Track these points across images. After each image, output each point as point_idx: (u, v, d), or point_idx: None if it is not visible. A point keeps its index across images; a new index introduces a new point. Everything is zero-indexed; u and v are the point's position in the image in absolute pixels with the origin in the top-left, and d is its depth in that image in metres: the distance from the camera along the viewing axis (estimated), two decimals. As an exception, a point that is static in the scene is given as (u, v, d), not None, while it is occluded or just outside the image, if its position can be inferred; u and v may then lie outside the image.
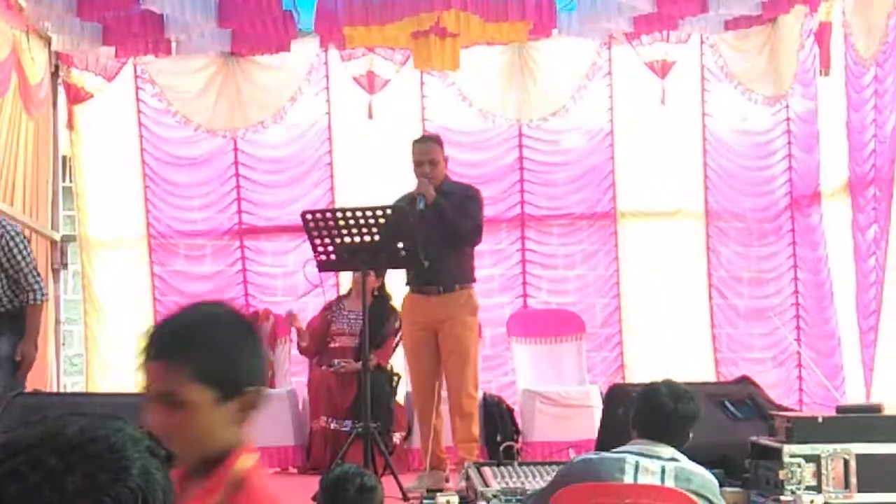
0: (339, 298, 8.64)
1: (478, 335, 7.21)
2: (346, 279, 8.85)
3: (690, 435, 4.05)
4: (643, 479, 3.81)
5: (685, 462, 3.93)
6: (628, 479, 3.81)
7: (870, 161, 7.83)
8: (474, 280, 7.16)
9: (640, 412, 4.06)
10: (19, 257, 6.49)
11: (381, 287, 8.10)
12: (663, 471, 3.82)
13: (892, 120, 7.43)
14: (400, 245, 6.57)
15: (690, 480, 3.85)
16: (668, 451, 3.90)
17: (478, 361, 7.21)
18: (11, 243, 6.49)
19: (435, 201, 6.80)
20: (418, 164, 6.98)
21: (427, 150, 7.04)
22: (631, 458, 3.86)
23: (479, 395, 8.46)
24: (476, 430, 7.06)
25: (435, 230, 6.79)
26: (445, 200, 6.85)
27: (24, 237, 6.73)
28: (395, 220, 6.57)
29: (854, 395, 8.04)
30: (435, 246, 6.76)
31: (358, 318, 8.28)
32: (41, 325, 6.81)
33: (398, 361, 8.40)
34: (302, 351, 8.55)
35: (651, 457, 3.87)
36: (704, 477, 3.91)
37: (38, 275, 6.62)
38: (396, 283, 7.97)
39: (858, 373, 8.07)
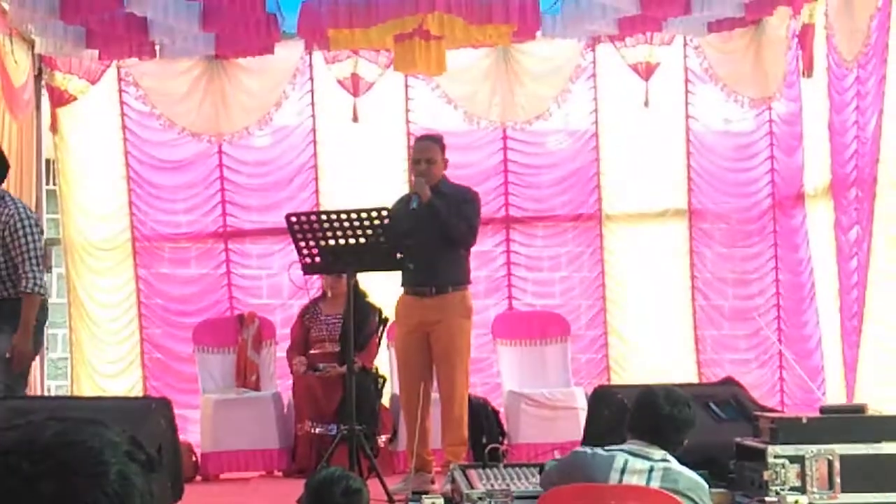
0: (314, 302, 8.58)
1: (470, 339, 7.18)
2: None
3: (685, 441, 4.08)
4: (629, 479, 3.85)
5: (675, 464, 3.96)
6: (614, 476, 3.85)
7: (852, 162, 7.85)
8: (469, 282, 7.16)
9: (636, 414, 4.12)
10: (23, 240, 6.23)
11: (355, 285, 8.04)
12: (651, 470, 3.86)
13: (874, 121, 7.45)
14: (385, 247, 6.57)
15: (677, 481, 3.88)
16: (659, 453, 3.94)
17: (468, 364, 7.18)
18: (19, 224, 6.24)
19: (430, 201, 6.81)
20: (416, 162, 7.09)
21: (424, 148, 7.12)
22: (621, 457, 3.92)
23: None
24: (465, 433, 7.06)
25: (429, 230, 6.80)
26: (441, 201, 6.86)
27: (38, 226, 6.49)
28: (380, 222, 6.58)
29: (833, 397, 8.06)
30: (429, 247, 6.79)
31: (336, 322, 8.27)
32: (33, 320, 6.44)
33: (384, 363, 8.39)
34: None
35: (641, 457, 3.91)
36: (693, 479, 3.95)
37: (39, 266, 6.34)
38: (371, 281, 7.94)
39: (839, 374, 8.10)
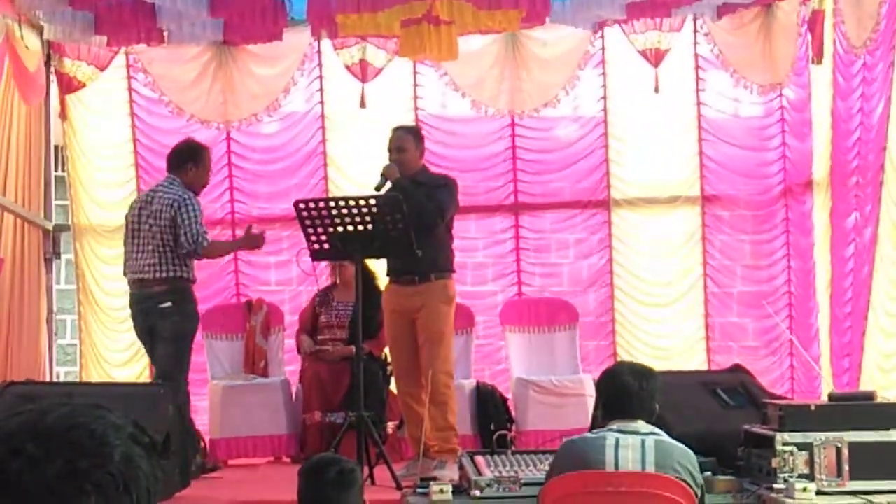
0: (327, 289, 8.59)
1: (452, 324, 7.21)
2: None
3: (657, 407, 4.18)
4: (624, 453, 3.95)
5: (664, 436, 4.08)
6: (609, 452, 3.92)
7: (854, 149, 7.83)
8: (453, 271, 7.18)
9: (609, 397, 4.22)
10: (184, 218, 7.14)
11: (368, 273, 8.00)
12: (643, 444, 3.93)
13: (880, 108, 7.42)
14: (392, 234, 6.59)
15: (671, 453, 4.01)
16: (646, 427, 4.06)
17: (451, 349, 7.20)
18: (177, 206, 7.15)
19: (398, 182, 6.85)
20: (389, 151, 7.19)
21: (395, 137, 7.23)
22: (611, 436, 4.02)
23: (472, 383, 8.48)
24: (452, 418, 7.04)
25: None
26: (414, 190, 6.88)
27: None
28: (387, 208, 6.59)
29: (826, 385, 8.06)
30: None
31: (347, 309, 8.27)
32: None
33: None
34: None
35: (630, 433, 4.02)
36: (684, 449, 4.07)
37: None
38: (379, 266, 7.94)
39: (833, 361, 8.12)
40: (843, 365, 7.95)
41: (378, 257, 7.25)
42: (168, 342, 7.07)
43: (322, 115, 9.43)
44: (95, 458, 1.25)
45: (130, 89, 9.35)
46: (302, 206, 6.76)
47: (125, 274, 7.39)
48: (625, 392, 4.13)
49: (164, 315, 7.06)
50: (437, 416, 6.92)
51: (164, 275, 7.09)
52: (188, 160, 7.30)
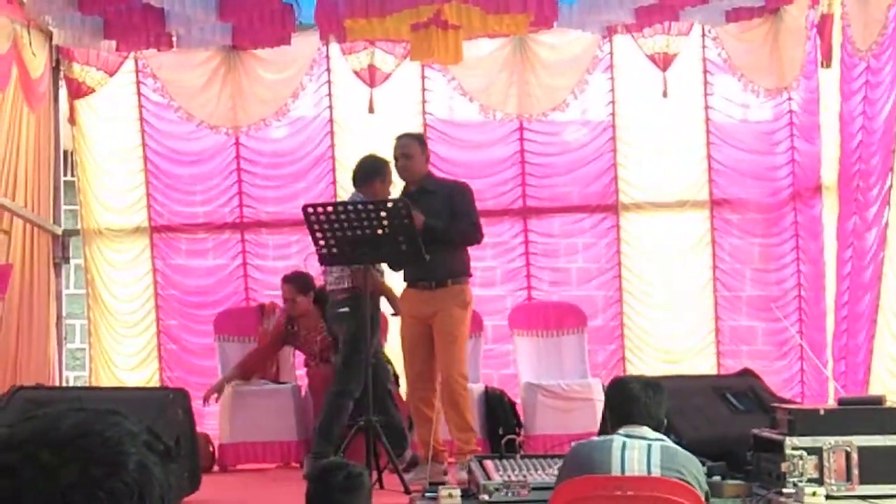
0: (290, 323, 8.43)
1: (468, 328, 7.23)
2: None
3: (664, 419, 4.19)
4: (630, 454, 3.98)
5: (669, 442, 4.11)
6: (616, 454, 3.97)
7: (856, 153, 7.82)
8: (470, 275, 7.19)
9: (615, 406, 4.26)
10: None
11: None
12: (649, 448, 3.97)
13: (885, 111, 7.40)
14: (401, 238, 6.59)
15: (675, 456, 4.02)
16: (651, 433, 4.10)
17: (466, 352, 7.22)
18: None
19: (424, 225, 6.78)
20: (395, 159, 7.22)
21: (400, 144, 7.25)
22: (618, 439, 4.05)
23: (481, 387, 8.49)
24: (470, 419, 7.07)
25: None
26: (427, 200, 6.88)
27: None
28: (395, 213, 6.59)
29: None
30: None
31: (316, 339, 8.24)
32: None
33: (397, 358, 8.38)
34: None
35: (637, 437, 4.05)
36: (688, 455, 4.09)
37: None
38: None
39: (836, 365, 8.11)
40: (840, 368, 7.95)
41: (386, 262, 7.25)
42: (345, 344, 7.31)
43: (330, 120, 9.44)
44: (109, 467, 1.24)
45: (139, 94, 9.37)
46: (310, 210, 6.77)
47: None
48: (632, 400, 4.16)
49: (342, 319, 7.29)
50: (456, 417, 6.94)
51: (346, 285, 7.31)
52: (375, 176, 7.38)
